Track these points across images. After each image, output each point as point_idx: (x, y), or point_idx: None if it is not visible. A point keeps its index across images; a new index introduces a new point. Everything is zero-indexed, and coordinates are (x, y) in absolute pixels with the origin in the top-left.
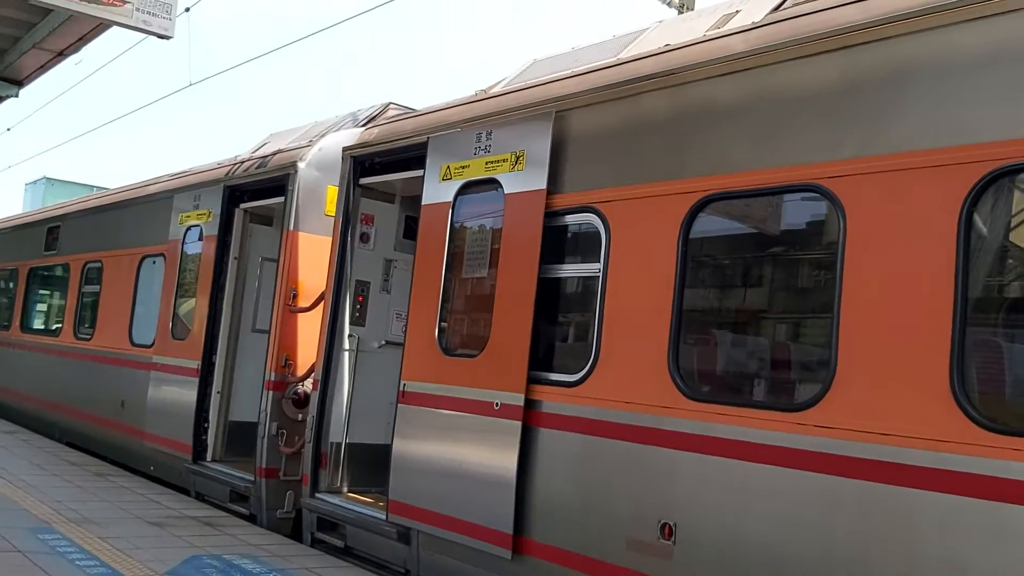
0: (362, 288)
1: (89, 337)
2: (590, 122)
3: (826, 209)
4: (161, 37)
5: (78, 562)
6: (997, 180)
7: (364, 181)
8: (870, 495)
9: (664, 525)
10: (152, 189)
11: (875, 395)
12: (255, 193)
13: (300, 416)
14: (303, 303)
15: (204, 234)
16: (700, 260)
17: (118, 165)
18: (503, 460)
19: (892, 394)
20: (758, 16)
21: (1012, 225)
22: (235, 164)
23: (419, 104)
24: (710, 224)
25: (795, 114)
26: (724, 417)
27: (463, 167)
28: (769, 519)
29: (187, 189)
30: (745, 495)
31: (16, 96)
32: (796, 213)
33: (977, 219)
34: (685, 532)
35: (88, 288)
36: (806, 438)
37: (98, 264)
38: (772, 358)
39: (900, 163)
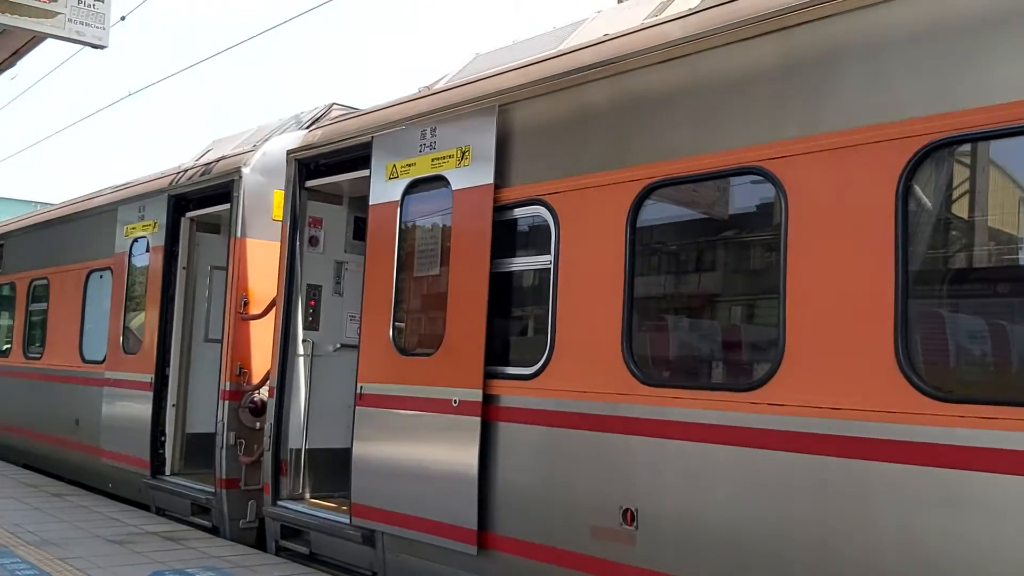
0: (314, 292)
1: (39, 356)
2: (534, 114)
3: (768, 191)
4: (95, 47)
5: None
6: (931, 154)
7: (310, 184)
8: (824, 469)
9: (626, 511)
10: (96, 202)
11: (824, 370)
12: (200, 201)
13: (258, 424)
14: (255, 310)
15: (151, 245)
16: (648, 247)
17: (60, 180)
18: (464, 457)
19: (840, 368)
20: (694, 2)
21: (948, 197)
22: (179, 173)
23: (366, 104)
24: (657, 211)
25: (734, 98)
26: (679, 401)
27: (409, 165)
28: (728, 499)
29: (131, 200)
30: (703, 476)
31: None
32: (740, 197)
33: (914, 193)
34: (647, 517)
35: (35, 306)
36: (759, 416)
37: (44, 281)
38: (723, 340)
39: (837, 142)
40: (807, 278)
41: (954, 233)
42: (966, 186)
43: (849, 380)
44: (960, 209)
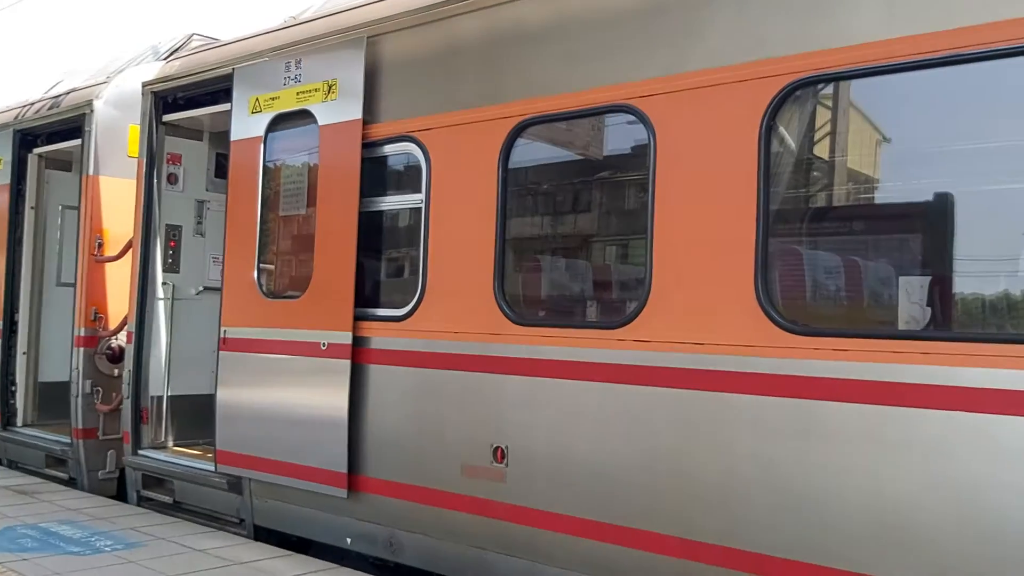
0: (173, 232)
1: None
2: (405, 47)
3: (638, 131)
4: None
5: None
6: (793, 93)
7: (168, 118)
8: (687, 402)
9: (496, 449)
10: None
11: (688, 307)
12: (50, 137)
13: (116, 372)
14: (110, 252)
15: None
16: (521, 186)
17: None
18: (333, 400)
19: (703, 305)
20: None
21: (808, 137)
22: (26, 106)
23: (229, 36)
24: (529, 149)
25: (605, 35)
26: (550, 339)
27: (273, 99)
28: (595, 433)
29: None
30: (572, 413)
31: None
32: (611, 135)
33: (777, 132)
34: (516, 454)
35: None
36: (626, 353)
37: None
38: (593, 279)
39: (703, 80)
40: (673, 216)
41: (813, 172)
42: (827, 127)
43: (711, 316)
44: (820, 149)
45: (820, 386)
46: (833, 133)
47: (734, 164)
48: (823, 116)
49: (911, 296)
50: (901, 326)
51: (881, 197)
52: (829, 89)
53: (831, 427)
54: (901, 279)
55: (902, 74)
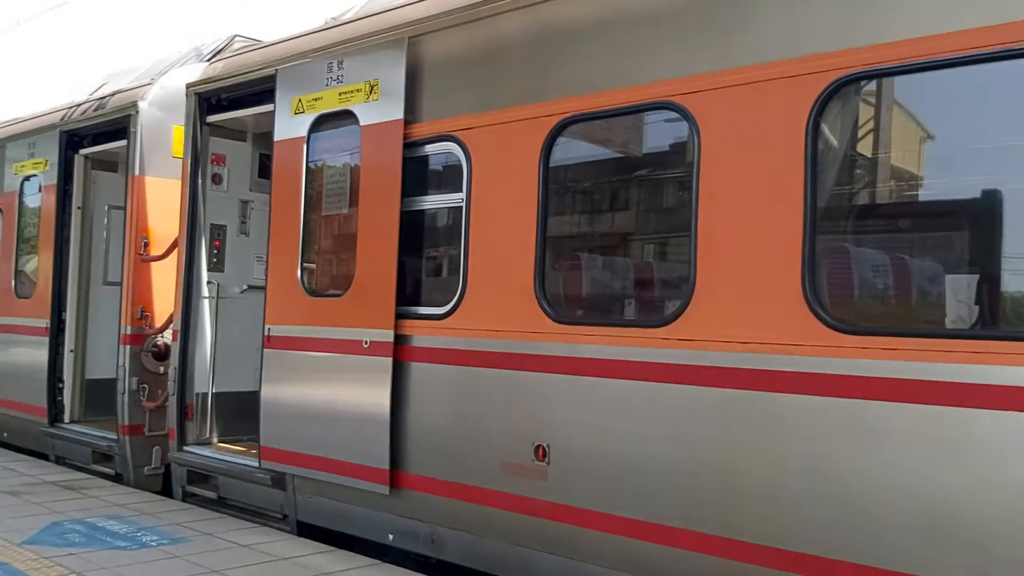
0: (218, 232)
1: None
2: (446, 47)
3: (682, 128)
4: None
5: None
6: (840, 89)
7: (212, 119)
8: (732, 402)
9: (538, 447)
10: None
11: (733, 305)
12: (95, 138)
13: (161, 369)
14: (156, 251)
15: (43, 184)
16: (562, 185)
17: None
18: (376, 397)
19: (749, 303)
20: None
21: (855, 133)
22: (72, 107)
23: (271, 36)
24: (571, 147)
25: (648, 31)
26: (591, 337)
27: (315, 99)
28: (638, 433)
29: (20, 137)
30: (614, 412)
31: None
32: (654, 133)
33: (823, 129)
34: (558, 452)
35: None
36: (669, 351)
37: None
38: (635, 277)
39: (748, 76)
40: (717, 214)
41: (860, 169)
42: (872, 123)
43: (757, 314)
44: (866, 146)
45: (868, 385)
46: (880, 129)
47: (780, 161)
48: (869, 113)
49: (958, 294)
50: (948, 325)
51: (928, 194)
52: (876, 86)
53: (879, 427)
54: (948, 277)
55: (952, 69)
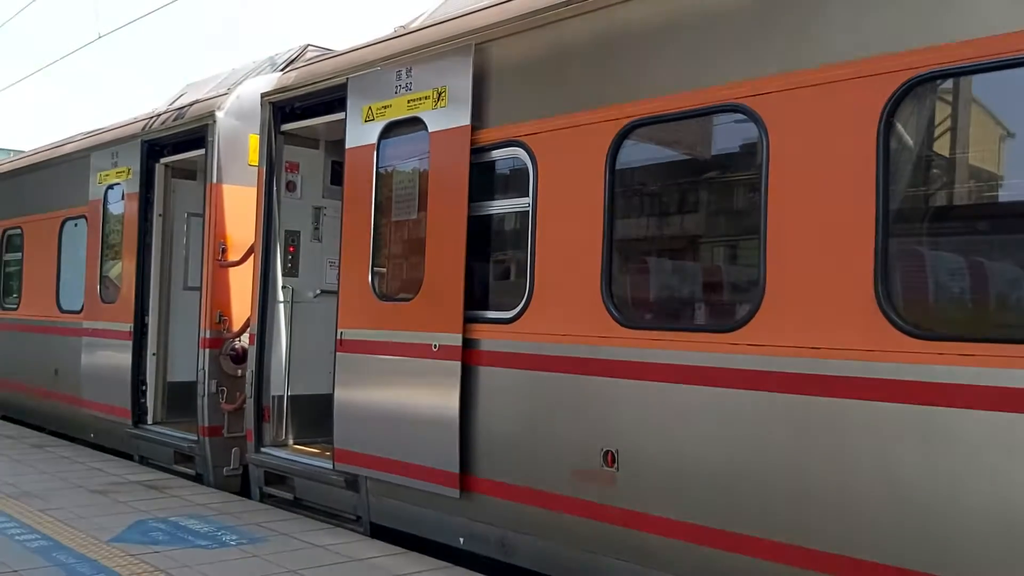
0: (292, 238)
1: (16, 306)
2: (512, 53)
3: (749, 130)
4: None
5: (17, 536)
6: (913, 89)
7: (286, 127)
8: (803, 408)
9: (607, 453)
10: (68, 149)
11: (804, 310)
12: (175, 147)
13: (239, 372)
14: (233, 257)
15: (125, 192)
16: (629, 188)
17: (31, 127)
18: (445, 400)
19: (820, 308)
20: None
21: (929, 133)
22: (152, 117)
23: (342, 46)
24: (637, 151)
25: (716, 34)
26: (659, 342)
27: (385, 107)
28: (707, 439)
29: (104, 147)
30: (683, 417)
31: None
32: (721, 135)
33: (895, 130)
34: (627, 458)
35: (10, 256)
36: (739, 357)
37: (18, 231)
38: (703, 281)
39: (818, 78)
40: (787, 218)
41: (934, 171)
42: (948, 123)
43: (829, 319)
44: (941, 146)
45: (944, 392)
46: (955, 129)
47: (851, 162)
48: (944, 112)
49: None
50: None
51: (1008, 195)
52: (950, 84)
53: (955, 434)
54: None
55: None
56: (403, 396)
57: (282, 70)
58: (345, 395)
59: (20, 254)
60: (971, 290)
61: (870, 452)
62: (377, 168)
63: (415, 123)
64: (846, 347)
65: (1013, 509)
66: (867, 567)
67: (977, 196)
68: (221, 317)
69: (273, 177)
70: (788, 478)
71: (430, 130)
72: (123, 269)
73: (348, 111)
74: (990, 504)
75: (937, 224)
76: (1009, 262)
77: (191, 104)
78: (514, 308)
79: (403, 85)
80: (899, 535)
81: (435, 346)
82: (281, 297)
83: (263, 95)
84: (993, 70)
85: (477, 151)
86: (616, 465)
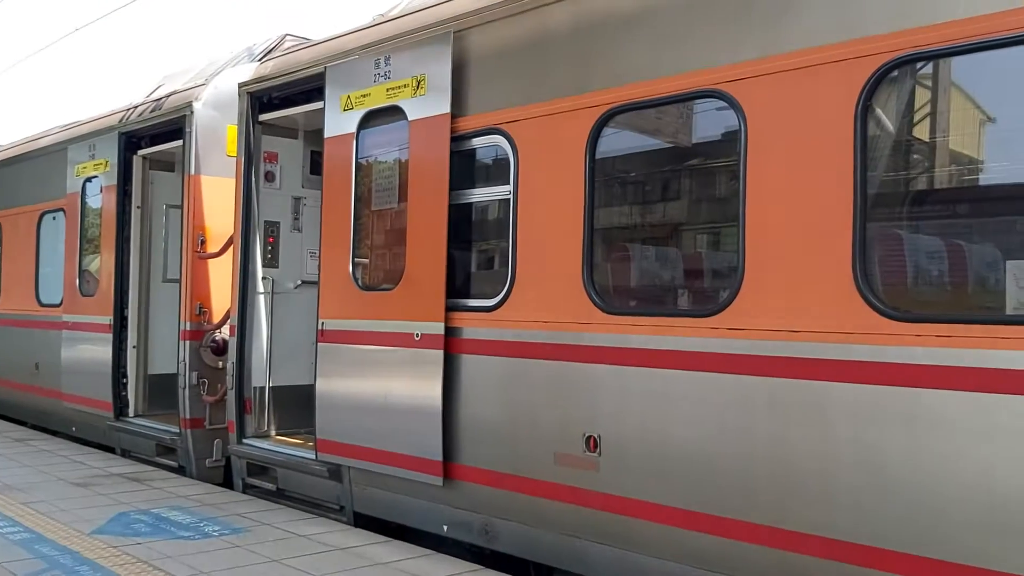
0: (272, 229)
1: None
2: (491, 40)
3: (728, 117)
4: None
5: (0, 528)
6: (890, 72)
7: (264, 117)
8: (783, 391)
9: (589, 438)
10: (44, 142)
11: (783, 294)
12: (153, 139)
13: (220, 364)
14: (212, 249)
15: (103, 185)
16: (609, 175)
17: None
18: (428, 390)
19: (799, 292)
20: None
21: (907, 117)
22: (129, 109)
23: (322, 35)
24: (617, 138)
25: (692, 19)
26: (640, 328)
27: (364, 96)
28: (689, 423)
29: (81, 139)
30: (664, 402)
31: None
32: (701, 121)
33: (873, 113)
34: (609, 443)
35: None
36: (719, 341)
37: None
38: (684, 267)
39: (794, 62)
40: (766, 203)
41: (913, 155)
42: (927, 107)
43: (808, 303)
44: (919, 130)
45: (923, 374)
46: (933, 113)
47: (829, 147)
48: (922, 96)
49: (1020, 281)
50: (1009, 311)
51: (988, 178)
52: (929, 68)
53: (934, 415)
54: (1009, 263)
55: (1008, 49)
56: (385, 385)
57: (260, 60)
58: (327, 385)
59: None
60: (949, 272)
61: (850, 434)
62: (357, 157)
63: (394, 112)
64: (825, 330)
65: (992, 489)
66: (849, 548)
67: (955, 180)
68: (201, 309)
69: (252, 168)
70: (769, 461)
71: (409, 118)
72: (102, 262)
73: (326, 100)
74: (969, 485)
75: (915, 207)
76: (987, 244)
77: (168, 95)
78: (496, 296)
79: (381, 73)
80: (880, 517)
81: (417, 335)
82: (261, 288)
83: (241, 85)
84: (971, 52)
85: (457, 139)
86: (598, 450)
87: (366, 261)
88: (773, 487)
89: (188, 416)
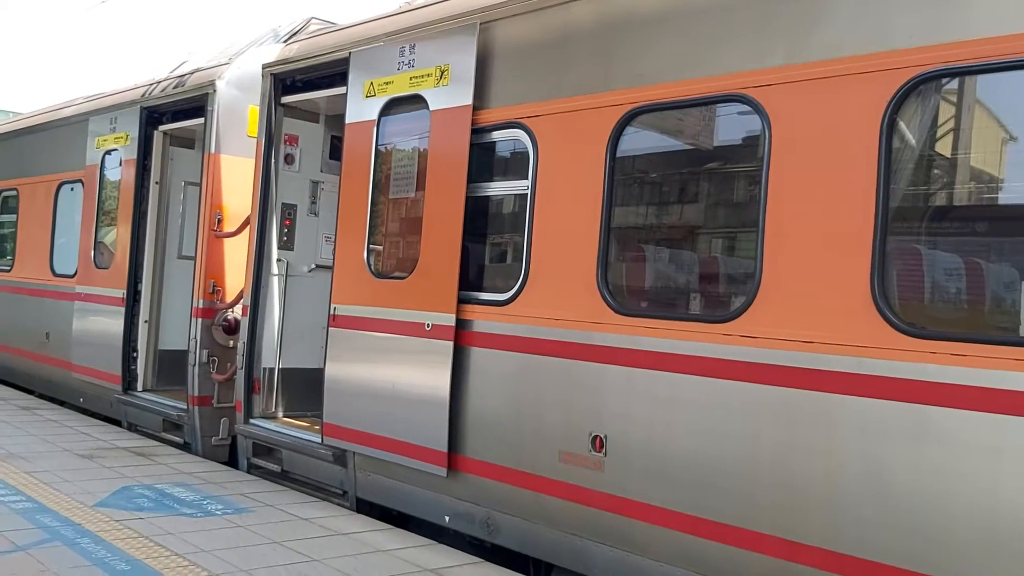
0: (289, 211)
1: (9, 268)
2: (516, 34)
3: (752, 121)
4: None
5: (2, 498)
6: (917, 87)
7: (286, 100)
8: (794, 401)
9: (595, 437)
10: (66, 112)
11: (798, 304)
12: (174, 115)
13: (231, 343)
14: (229, 228)
15: (123, 158)
16: (628, 175)
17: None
18: (436, 380)
19: (815, 302)
20: None
21: (932, 132)
22: (152, 84)
23: (347, 20)
24: (638, 138)
25: (721, 22)
26: (652, 330)
27: (387, 83)
28: (697, 428)
29: (103, 112)
30: (673, 406)
31: None
32: (724, 125)
33: (898, 127)
34: (615, 443)
35: (4, 218)
36: (731, 348)
37: (14, 192)
38: (699, 271)
39: (823, 71)
40: (786, 210)
41: (936, 170)
42: (951, 122)
43: (823, 314)
44: (943, 146)
45: (936, 391)
46: (957, 129)
47: (853, 158)
48: (947, 111)
49: None
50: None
51: (1008, 197)
52: (956, 84)
53: (945, 433)
54: None
55: None
56: (394, 373)
57: (284, 42)
58: (336, 370)
59: (15, 216)
60: (967, 291)
61: (858, 448)
62: (377, 144)
63: (416, 100)
64: (840, 342)
65: (998, 509)
66: (851, 562)
67: (977, 197)
68: (215, 287)
69: (272, 149)
70: (775, 470)
71: (431, 108)
72: (118, 235)
73: (349, 86)
74: (975, 503)
75: (935, 224)
76: (1006, 264)
77: (192, 72)
78: (509, 291)
79: (406, 62)
80: (885, 531)
81: (428, 325)
82: (275, 270)
83: (264, 66)
84: (1000, 71)
85: (478, 131)
86: (604, 450)
87: (380, 248)
88: (777, 497)
89: (196, 393)
